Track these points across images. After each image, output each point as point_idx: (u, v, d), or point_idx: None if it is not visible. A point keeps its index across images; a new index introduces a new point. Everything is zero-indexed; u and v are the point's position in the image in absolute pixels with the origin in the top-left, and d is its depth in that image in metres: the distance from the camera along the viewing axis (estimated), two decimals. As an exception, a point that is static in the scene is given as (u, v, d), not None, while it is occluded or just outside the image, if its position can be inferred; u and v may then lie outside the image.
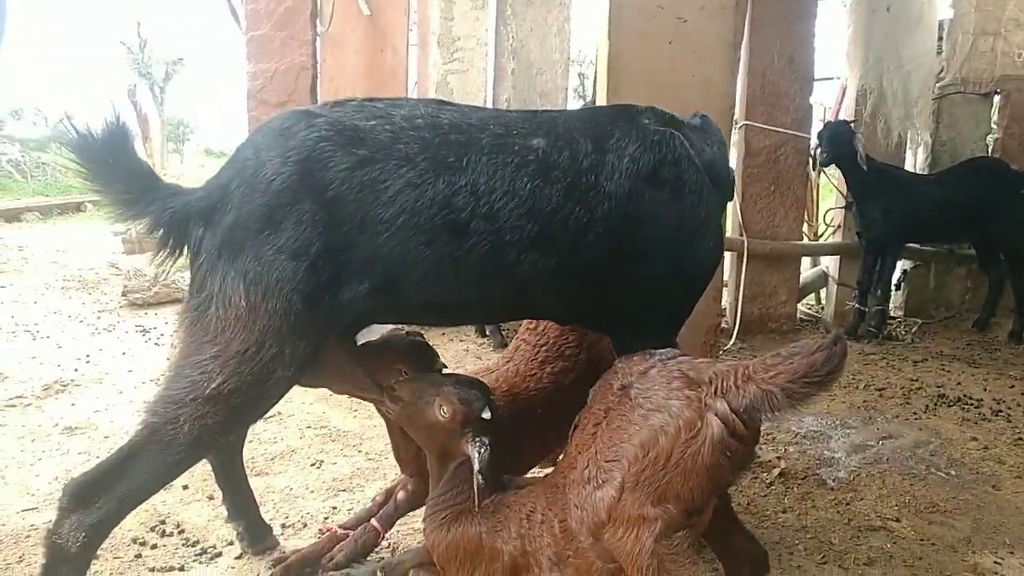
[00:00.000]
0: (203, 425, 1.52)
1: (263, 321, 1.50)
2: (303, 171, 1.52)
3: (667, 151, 1.80)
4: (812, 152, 5.14)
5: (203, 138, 27.52)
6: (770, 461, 2.99)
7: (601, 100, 2.70)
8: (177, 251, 1.61)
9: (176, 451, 1.54)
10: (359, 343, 1.93)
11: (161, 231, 1.57)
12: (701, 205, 1.83)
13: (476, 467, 1.62)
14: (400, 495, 2.12)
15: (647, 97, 2.17)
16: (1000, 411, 3.69)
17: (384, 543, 2.19)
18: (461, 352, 4.56)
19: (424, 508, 1.83)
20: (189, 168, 19.68)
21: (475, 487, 1.63)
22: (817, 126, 5.26)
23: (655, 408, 1.48)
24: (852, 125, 4.93)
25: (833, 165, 5.03)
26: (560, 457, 1.84)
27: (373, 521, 2.12)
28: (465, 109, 1.75)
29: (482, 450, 1.63)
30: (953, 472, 2.96)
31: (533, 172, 1.65)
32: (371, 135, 1.58)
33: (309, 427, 3.28)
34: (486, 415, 1.67)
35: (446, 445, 1.72)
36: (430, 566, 1.84)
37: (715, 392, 1.46)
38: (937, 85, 5.58)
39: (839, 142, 4.80)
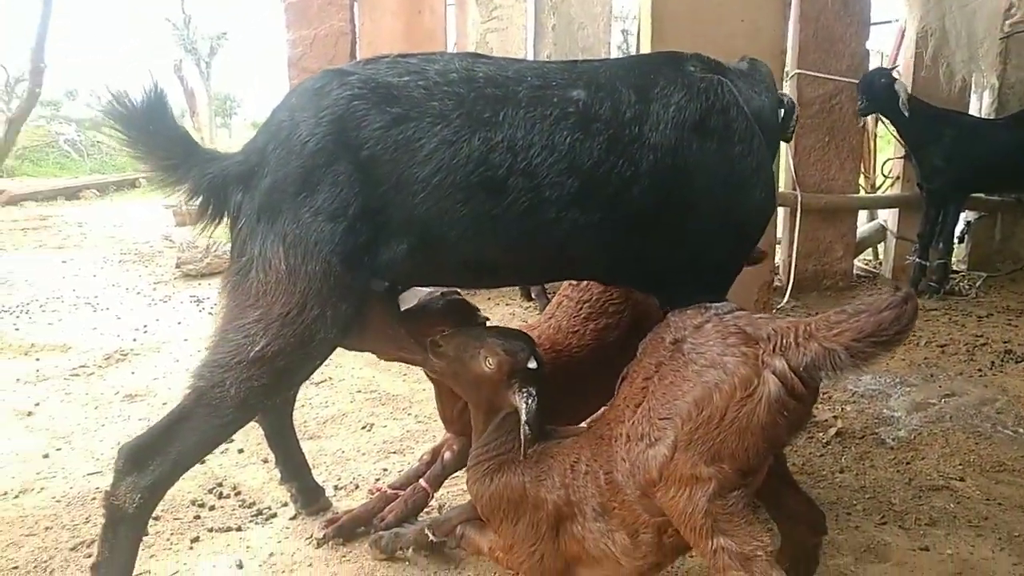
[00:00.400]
0: (249, 388, 1.53)
1: (303, 283, 1.49)
2: (337, 131, 1.49)
3: (715, 99, 1.71)
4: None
5: (250, 112, 27.86)
6: (826, 420, 2.91)
7: (645, 49, 2.60)
8: (217, 217, 1.60)
9: (224, 414, 1.56)
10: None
11: (200, 197, 1.57)
12: (751, 155, 1.74)
13: (524, 418, 1.60)
14: (447, 455, 2.13)
15: (692, 45, 2.05)
16: (1073, 367, 3.51)
17: (433, 502, 2.21)
18: (507, 316, 4.55)
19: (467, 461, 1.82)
20: (238, 142, 19.89)
21: (522, 437, 1.61)
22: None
23: (709, 364, 1.43)
24: (893, 72, 4.65)
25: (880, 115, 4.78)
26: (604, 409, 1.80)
27: (421, 481, 2.13)
28: (501, 62, 1.68)
29: (529, 400, 1.61)
30: (1021, 430, 2.83)
31: (573, 125, 1.58)
32: (404, 92, 1.53)
33: (359, 391, 3.32)
34: (532, 365, 1.64)
35: (492, 398, 1.71)
36: (477, 521, 1.84)
37: (774, 349, 1.40)
38: (1006, 23, 5.21)
39: (876, 90, 4.53)
